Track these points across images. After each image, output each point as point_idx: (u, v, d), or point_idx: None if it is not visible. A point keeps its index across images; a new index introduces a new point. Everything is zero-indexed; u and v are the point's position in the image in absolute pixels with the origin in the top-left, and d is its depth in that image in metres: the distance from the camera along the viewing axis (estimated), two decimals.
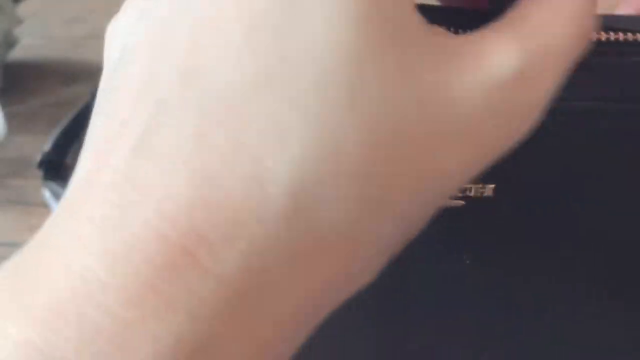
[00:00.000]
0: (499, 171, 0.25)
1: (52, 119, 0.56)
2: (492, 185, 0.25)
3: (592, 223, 0.26)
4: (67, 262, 0.17)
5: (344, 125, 0.17)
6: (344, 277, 0.19)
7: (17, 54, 0.68)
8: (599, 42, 0.24)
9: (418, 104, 0.18)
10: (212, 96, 0.18)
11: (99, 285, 0.17)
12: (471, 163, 0.20)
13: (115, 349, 0.16)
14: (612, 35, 0.24)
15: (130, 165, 0.18)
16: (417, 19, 0.19)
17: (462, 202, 0.25)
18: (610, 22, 0.24)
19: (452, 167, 0.19)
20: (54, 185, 0.39)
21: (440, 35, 0.20)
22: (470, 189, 0.25)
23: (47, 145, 0.42)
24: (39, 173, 0.42)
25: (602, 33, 0.24)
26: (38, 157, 0.41)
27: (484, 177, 0.25)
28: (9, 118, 0.59)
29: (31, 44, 0.72)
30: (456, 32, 0.22)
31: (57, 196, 0.37)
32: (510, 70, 0.19)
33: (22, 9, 0.68)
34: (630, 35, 0.24)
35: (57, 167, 0.40)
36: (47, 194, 0.36)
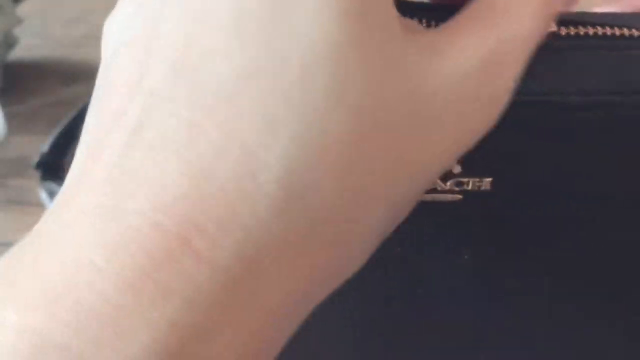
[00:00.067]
0: (496, 164, 0.25)
1: (52, 119, 0.56)
2: (490, 179, 0.25)
3: (590, 216, 0.26)
4: (65, 252, 0.17)
5: (331, 117, 0.18)
6: (334, 265, 0.20)
7: (17, 54, 0.69)
8: (596, 36, 0.24)
9: (400, 95, 0.19)
10: (202, 88, 0.18)
11: (96, 273, 0.17)
12: (452, 149, 0.21)
13: (113, 334, 0.16)
14: (608, 30, 0.24)
15: (124, 157, 0.18)
16: (396, 13, 0.20)
17: (459, 196, 0.25)
18: (599, 18, 0.24)
19: (435, 153, 0.20)
20: (52, 186, 0.38)
21: (415, 30, 0.21)
22: (467, 183, 0.25)
23: (45, 146, 0.42)
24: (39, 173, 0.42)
25: (599, 27, 0.24)
26: (36, 158, 0.41)
27: (481, 171, 0.25)
28: (9, 118, 0.59)
29: (31, 44, 0.72)
30: (428, 25, 0.23)
31: (54, 196, 0.37)
32: (479, 61, 0.20)
33: (22, 9, 0.68)
34: (626, 30, 0.24)
35: (55, 167, 0.40)
36: (43, 194, 0.36)
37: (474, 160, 0.23)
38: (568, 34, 0.24)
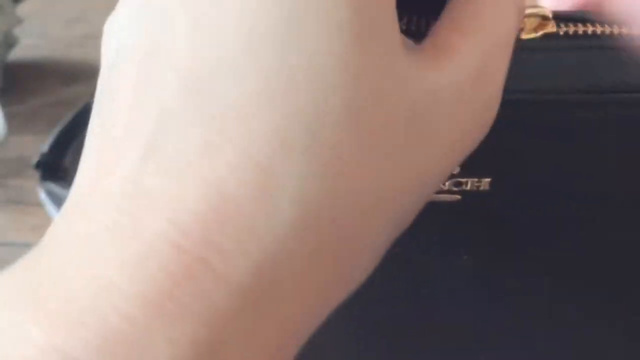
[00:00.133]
0: (495, 164, 0.25)
1: (52, 119, 0.56)
2: (489, 179, 0.25)
3: (590, 216, 0.26)
4: (84, 267, 0.18)
5: (345, 141, 0.18)
6: (345, 276, 0.20)
7: (17, 54, 0.69)
8: (594, 35, 0.24)
9: (405, 112, 0.19)
10: (216, 108, 0.18)
11: (117, 292, 0.17)
12: (453, 156, 0.21)
13: (135, 353, 0.17)
14: (607, 29, 0.24)
15: (139, 173, 0.18)
16: (399, 34, 0.20)
17: (458, 197, 0.25)
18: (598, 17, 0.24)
19: (438, 161, 0.21)
20: (52, 186, 0.38)
21: (411, 46, 0.21)
22: (466, 183, 0.25)
23: (45, 146, 0.42)
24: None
25: (588, 25, 0.24)
26: (36, 158, 0.41)
27: (480, 171, 0.25)
28: (9, 118, 0.59)
29: (31, 44, 0.72)
30: (409, 21, 0.23)
31: (53, 196, 0.37)
32: (474, 69, 0.21)
33: (22, 9, 0.68)
34: (616, 28, 0.24)
35: (55, 167, 0.40)
36: (43, 194, 0.36)
37: (472, 160, 0.23)
38: (566, 33, 0.24)
